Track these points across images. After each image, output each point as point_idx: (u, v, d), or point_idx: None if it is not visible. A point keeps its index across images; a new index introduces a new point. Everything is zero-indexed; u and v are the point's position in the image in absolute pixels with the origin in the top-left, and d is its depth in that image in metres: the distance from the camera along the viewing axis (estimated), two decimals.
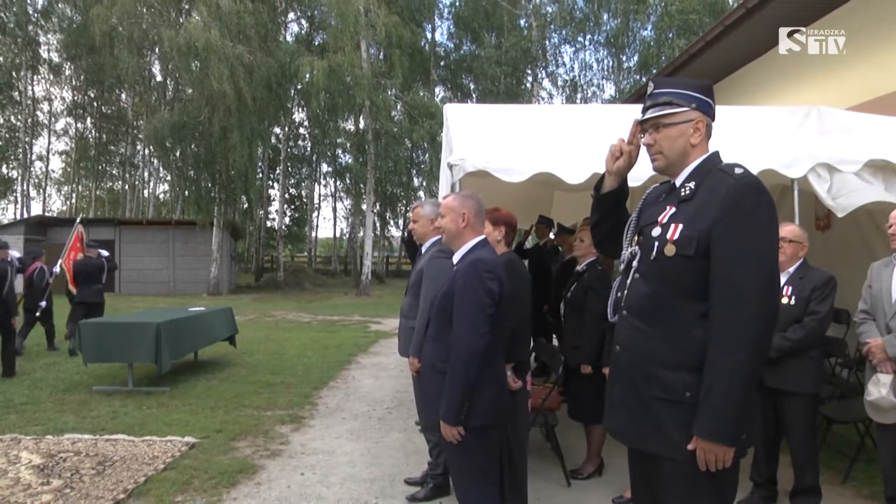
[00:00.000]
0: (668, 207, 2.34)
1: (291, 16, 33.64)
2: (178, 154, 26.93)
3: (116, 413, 6.82)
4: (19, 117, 36.51)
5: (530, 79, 35.01)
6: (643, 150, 2.47)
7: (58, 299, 11.78)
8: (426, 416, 3.90)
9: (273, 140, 35.47)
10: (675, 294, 2.24)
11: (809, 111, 5.33)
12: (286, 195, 41.30)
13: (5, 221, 33.20)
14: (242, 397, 7.63)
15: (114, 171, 44.94)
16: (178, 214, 34.85)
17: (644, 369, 2.27)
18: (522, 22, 34.37)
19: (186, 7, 27.59)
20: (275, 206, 39.40)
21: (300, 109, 35.51)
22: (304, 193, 46.69)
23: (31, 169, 40.02)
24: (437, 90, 35.60)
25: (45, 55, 36.76)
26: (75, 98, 39.62)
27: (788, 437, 4.29)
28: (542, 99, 35.56)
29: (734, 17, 9.00)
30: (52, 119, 41.64)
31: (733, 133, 4.49)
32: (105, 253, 11.76)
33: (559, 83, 37.06)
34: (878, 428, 4.06)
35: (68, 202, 46.02)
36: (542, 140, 5.04)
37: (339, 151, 36.86)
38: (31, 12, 33.95)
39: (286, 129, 35.95)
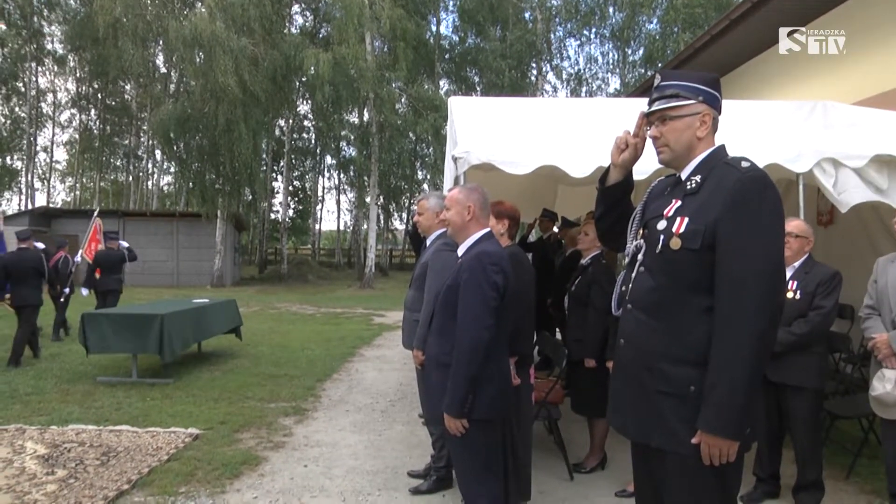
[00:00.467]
0: (673, 201, 2.33)
1: (296, 8, 33.57)
2: (182, 146, 26.93)
3: (120, 404, 6.84)
4: (24, 108, 36.56)
5: (535, 72, 35.04)
6: (649, 142, 2.46)
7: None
8: (430, 409, 3.91)
9: (277, 132, 35.51)
10: (680, 288, 2.23)
11: (815, 106, 5.31)
12: (290, 187, 41.31)
13: (10, 212, 33.24)
14: (246, 389, 7.64)
15: (118, 163, 45.01)
16: (182, 206, 34.89)
17: (648, 363, 2.27)
18: (527, 15, 34.35)
19: None
20: (278, 198, 39.38)
21: (304, 102, 35.46)
22: (307, 186, 46.72)
23: (36, 160, 40.15)
24: (441, 83, 35.54)
25: (49, 47, 36.84)
26: (79, 89, 39.62)
27: (792, 432, 4.28)
28: (547, 92, 35.63)
29: (739, 11, 8.97)
30: (57, 110, 41.77)
31: (739, 127, 4.48)
32: (125, 244, 12.17)
33: (564, 76, 37.15)
34: (882, 423, 4.05)
35: (72, 193, 46.12)
36: (547, 133, 5.04)
37: (343, 144, 36.77)
38: (35, 3, 33.95)
39: (290, 121, 35.90)
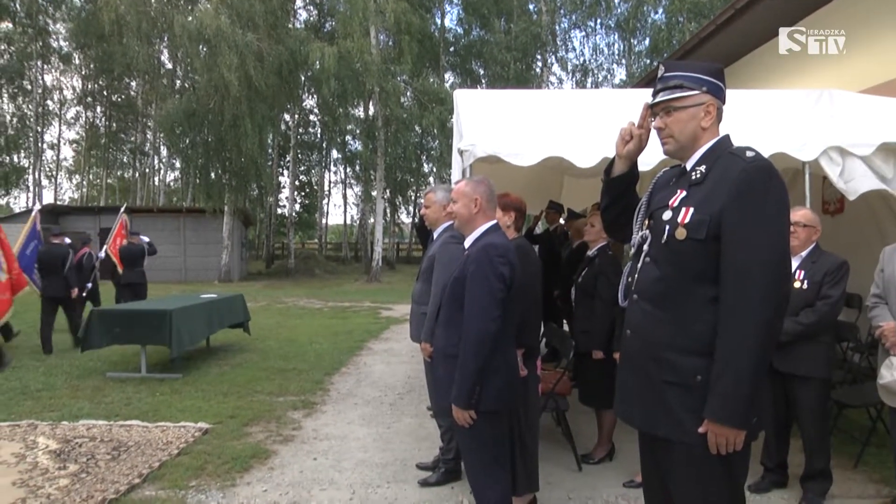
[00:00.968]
0: (678, 191, 2.34)
1: (300, 2, 33.59)
2: (188, 141, 26.98)
3: (130, 399, 6.88)
4: (30, 106, 36.70)
5: (540, 64, 34.90)
6: (653, 133, 2.47)
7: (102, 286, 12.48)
8: (438, 401, 3.92)
9: (283, 127, 35.48)
10: (685, 278, 2.24)
11: (821, 94, 5.29)
12: (296, 182, 41.31)
13: (17, 210, 33.38)
14: (255, 383, 7.68)
15: (124, 160, 45.17)
16: (188, 202, 34.97)
17: (654, 353, 2.28)
18: (532, 7, 34.23)
19: None
20: (285, 193, 39.49)
21: (310, 96, 35.48)
22: (314, 180, 46.70)
23: (43, 158, 40.33)
24: (446, 76, 35.54)
25: (55, 44, 36.92)
26: (85, 87, 39.77)
27: (800, 421, 4.28)
28: (552, 84, 35.48)
29: (744, 0, 8.92)
30: (63, 108, 41.88)
31: (744, 116, 4.46)
32: (146, 239, 12.73)
33: (569, 68, 37.01)
34: (890, 412, 4.05)
35: (79, 190, 46.30)
36: (553, 125, 5.03)
37: (349, 138, 36.85)
38: (41, 2, 34.04)
39: (296, 115, 35.91)
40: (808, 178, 4.94)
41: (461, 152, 4.68)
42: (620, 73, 36.12)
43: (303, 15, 34.80)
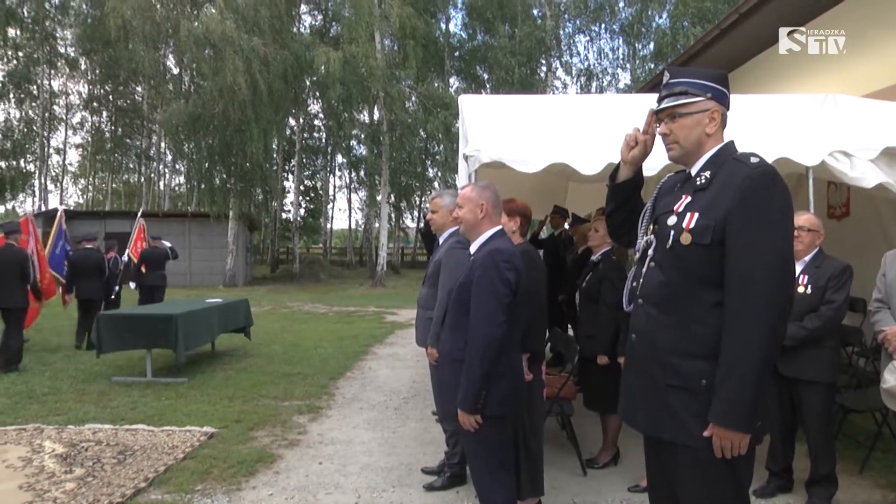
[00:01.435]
0: (683, 196, 2.35)
1: (306, 7, 33.66)
2: (192, 146, 27.05)
3: (136, 403, 6.89)
4: (37, 111, 36.84)
5: (544, 68, 34.94)
6: (658, 139, 2.48)
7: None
8: (444, 405, 3.93)
9: (288, 132, 35.55)
10: (690, 283, 2.25)
11: (825, 99, 5.30)
12: (301, 187, 41.36)
13: (22, 215, 33.46)
14: (260, 388, 7.69)
15: (130, 164, 45.28)
16: (193, 206, 35.03)
17: (659, 357, 2.29)
18: (536, 11, 34.27)
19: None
20: (290, 197, 39.46)
21: (315, 101, 35.53)
22: (318, 185, 46.69)
23: (49, 162, 40.43)
24: (451, 81, 35.61)
25: (61, 50, 37.07)
26: (91, 92, 39.89)
27: (804, 426, 4.27)
28: (557, 88, 35.57)
29: (749, 4, 8.91)
30: (69, 113, 42.04)
31: (748, 121, 4.47)
32: (167, 244, 13.62)
33: (573, 72, 37.01)
34: (895, 417, 4.05)
35: (85, 195, 46.43)
36: (557, 130, 5.05)
37: (354, 143, 36.83)
38: (48, 8, 34.22)
39: (301, 120, 35.97)
40: (812, 183, 4.94)
41: (467, 157, 4.70)
42: (625, 78, 36.14)
43: (308, 20, 34.94)
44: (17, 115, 36.94)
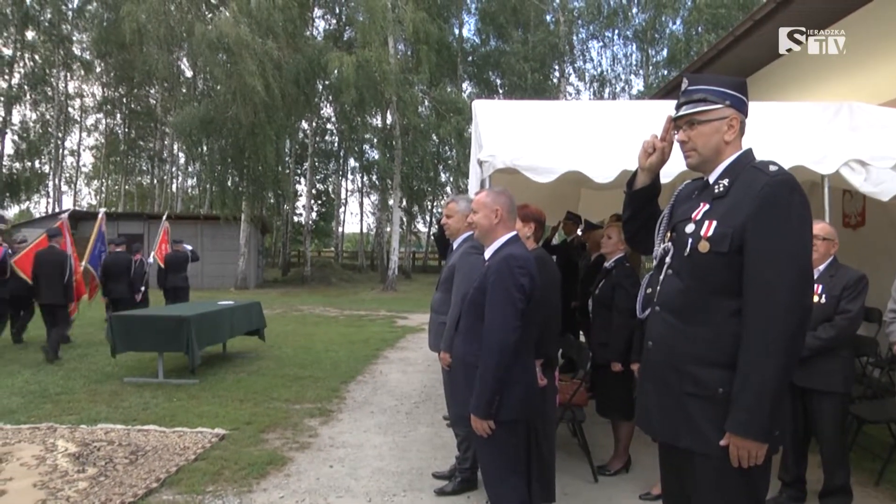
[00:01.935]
0: (701, 204, 2.35)
1: (319, 12, 33.78)
2: (205, 148, 27.17)
3: (147, 404, 6.92)
4: (52, 113, 37.15)
5: (557, 74, 34.92)
6: (675, 146, 2.48)
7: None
8: (456, 409, 3.93)
9: (301, 135, 35.67)
10: (708, 290, 2.24)
11: (841, 107, 5.27)
12: (313, 190, 41.46)
13: (37, 215, 33.72)
14: (271, 390, 7.70)
15: (143, 166, 45.59)
16: (205, 209, 35.17)
17: (676, 365, 2.28)
18: (549, 17, 34.27)
19: (214, 2, 27.88)
20: (302, 201, 39.61)
21: (327, 105, 35.65)
22: (331, 188, 46.81)
23: (63, 164, 40.77)
24: (464, 86, 35.57)
25: (77, 53, 37.36)
26: (105, 94, 40.17)
27: (818, 436, 4.24)
28: (570, 94, 35.49)
29: (763, 11, 8.89)
30: (84, 115, 42.45)
31: (763, 129, 4.45)
32: (189, 247, 14.21)
33: (587, 78, 37.00)
34: None
35: (98, 197, 46.76)
36: (571, 137, 5.04)
37: (367, 147, 36.90)
38: (64, 11, 34.53)
39: (314, 124, 36.07)
40: (828, 192, 4.91)
41: (481, 163, 4.70)
42: (638, 84, 36.07)
43: (321, 24, 35.06)
44: (33, 117, 37.31)
